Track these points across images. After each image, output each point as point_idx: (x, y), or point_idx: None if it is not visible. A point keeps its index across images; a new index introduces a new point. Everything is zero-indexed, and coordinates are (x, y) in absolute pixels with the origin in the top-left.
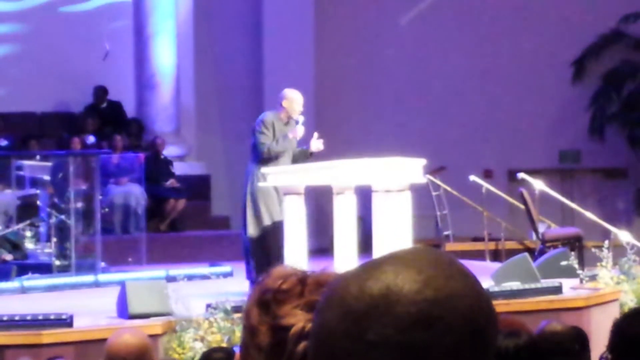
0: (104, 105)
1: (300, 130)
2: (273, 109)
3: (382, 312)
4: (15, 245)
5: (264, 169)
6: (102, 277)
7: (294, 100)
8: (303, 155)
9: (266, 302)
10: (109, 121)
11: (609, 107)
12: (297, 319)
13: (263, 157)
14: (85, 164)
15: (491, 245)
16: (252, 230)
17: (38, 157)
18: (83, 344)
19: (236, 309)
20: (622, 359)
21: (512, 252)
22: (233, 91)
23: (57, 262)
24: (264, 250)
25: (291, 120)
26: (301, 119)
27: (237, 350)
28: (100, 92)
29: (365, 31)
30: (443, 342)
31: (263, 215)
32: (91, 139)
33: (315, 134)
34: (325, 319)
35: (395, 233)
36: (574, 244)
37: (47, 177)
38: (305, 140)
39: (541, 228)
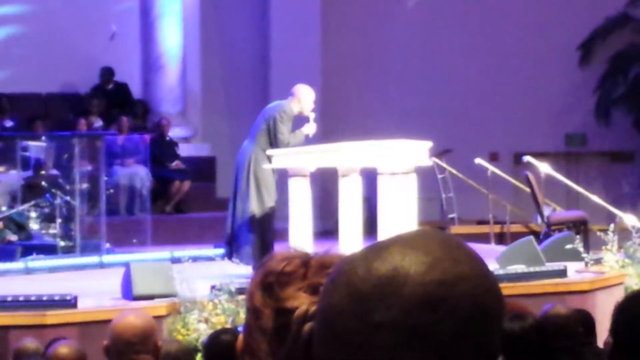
0: (110, 86)
1: (313, 128)
2: (279, 93)
3: (389, 293)
4: (20, 226)
5: (270, 151)
6: (107, 258)
7: (307, 97)
8: None
9: (269, 284)
10: (115, 102)
11: (615, 91)
12: (301, 302)
13: (280, 147)
14: (91, 145)
15: (496, 228)
16: (256, 211)
17: (43, 138)
18: (87, 325)
19: (240, 291)
20: (624, 342)
21: (517, 235)
22: (239, 73)
23: (62, 243)
24: (262, 232)
25: (299, 115)
26: (312, 115)
27: (241, 330)
28: (107, 73)
29: (371, 14)
30: (449, 323)
31: (265, 198)
32: (99, 122)
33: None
34: (332, 300)
35: (400, 215)
36: (579, 227)
37: (50, 158)
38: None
39: (546, 211)
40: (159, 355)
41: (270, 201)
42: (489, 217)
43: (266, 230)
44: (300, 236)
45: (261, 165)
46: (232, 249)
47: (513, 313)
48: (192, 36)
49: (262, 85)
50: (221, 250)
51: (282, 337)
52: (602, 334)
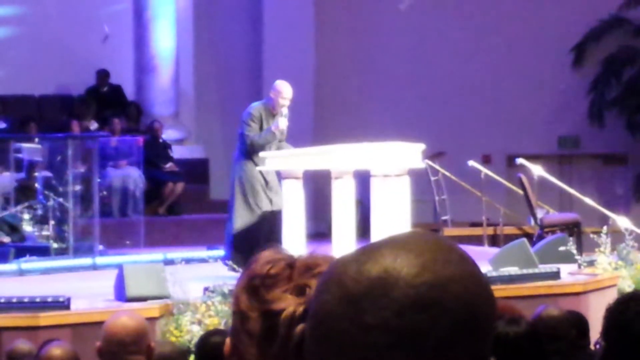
0: (106, 88)
1: (282, 123)
2: (266, 97)
3: (380, 295)
4: (13, 228)
5: (263, 154)
6: (100, 260)
7: (279, 93)
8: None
9: (255, 287)
10: (110, 105)
11: (608, 93)
12: (287, 303)
13: (247, 149)
14: (84, 147)
15: (489, 231)
16: (239, 221)
17: (37, 139)
18: (80, 326)
19: None
20: (615, 345)
21: (510, 238)
22: (232, 74)
23: (55, 245)
24: (249, 240)
25: (279, 111)
26: (285, 111)
27: None
28: (103, 75)
29: (365, 16)
30: (440, 325)
31: (251, 205)
32: (94, 124)
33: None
34: (323, 302)
35: (393, 218)
36: (573, 229)
37: (43, 160)
38: (293, 131)
39: (540, 213)
40: (152, 357)
41: (257, 208)
42: (482, 220)
43: (256, 239)
44: (293, 238)
45: (245, 171)
46: (229, 253)
47: (507, 317)
48: (186, 38)
49: (255, 87)
50: (214, 252)
51: (269, 340)
52: (595, 336)
